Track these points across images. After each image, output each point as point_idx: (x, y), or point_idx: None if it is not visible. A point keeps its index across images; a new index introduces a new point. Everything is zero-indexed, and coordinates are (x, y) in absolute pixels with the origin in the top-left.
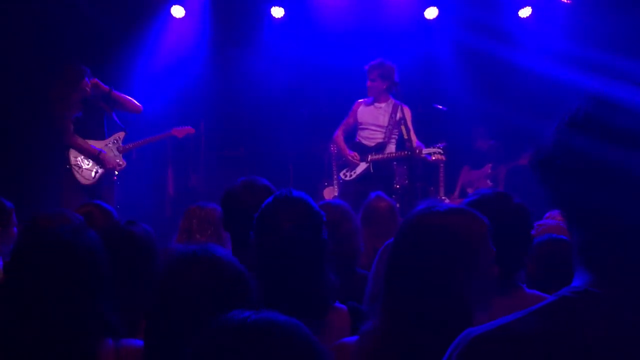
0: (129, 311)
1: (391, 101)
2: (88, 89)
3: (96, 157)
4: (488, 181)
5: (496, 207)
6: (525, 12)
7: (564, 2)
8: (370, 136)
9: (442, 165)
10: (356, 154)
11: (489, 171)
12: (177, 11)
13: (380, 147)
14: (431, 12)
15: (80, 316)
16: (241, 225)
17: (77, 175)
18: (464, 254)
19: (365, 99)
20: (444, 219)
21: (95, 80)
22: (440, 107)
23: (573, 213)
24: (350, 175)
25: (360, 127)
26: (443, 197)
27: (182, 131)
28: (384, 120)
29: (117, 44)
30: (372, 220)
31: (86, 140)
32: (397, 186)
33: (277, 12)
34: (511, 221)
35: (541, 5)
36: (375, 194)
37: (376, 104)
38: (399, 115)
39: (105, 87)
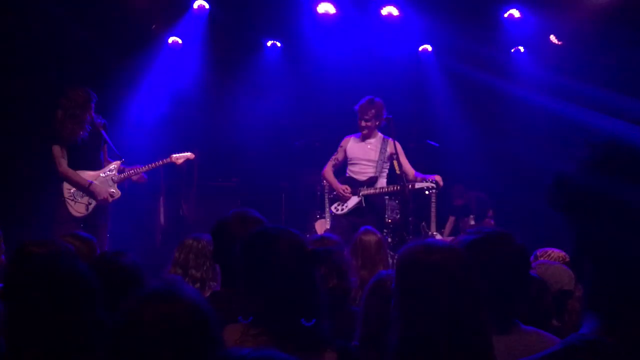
0: None
1: (380, 136)
2: (93, 114)
3: (86, 189)
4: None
5: (498, 246)
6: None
7: (555, 43)
8: (362, 171)
9: (434, 201)
10: (347, 187)
11: (473, 222)
12: (174, 41)
13: (371, 182)
14: (425, 48)
15: (80, 341)
16: (231, 257)
17: (70, 208)
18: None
19: (354, 135)
20: (429, 255)
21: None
22: (433, 143)
23: (591, 253)
24: (342, 209)
25: (351, 162)
26: (434, 233)
27: (181, 157)
28: (374, 155)
29: (114, 72)
30: (360, 253)
31: (77, 172)
32: (389, 220)
33: (272, 43)
34: (512, 261)
35: (534, 44)
36: (364, 228)
37: (366, 140)
38: (389, 150)
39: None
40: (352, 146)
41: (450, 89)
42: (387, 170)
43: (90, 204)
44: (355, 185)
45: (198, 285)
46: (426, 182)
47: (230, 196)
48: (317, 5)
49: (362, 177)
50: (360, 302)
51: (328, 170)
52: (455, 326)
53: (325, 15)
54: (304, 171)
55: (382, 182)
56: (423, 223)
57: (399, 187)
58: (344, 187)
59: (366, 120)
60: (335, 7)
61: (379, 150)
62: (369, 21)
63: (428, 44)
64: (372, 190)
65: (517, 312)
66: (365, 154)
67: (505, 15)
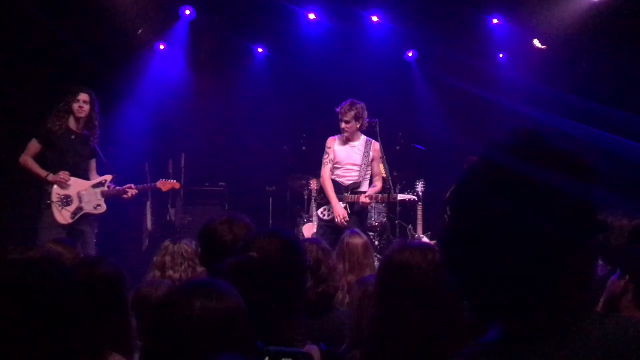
0: (95, 347)
1: (364, 139)
2: (79, 111)
3: (45, 180)
4: None
5: None
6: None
7: (539, 47)
8: (345, 175)
9: (420, 204)
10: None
11: None
12: (162, 47)
13: (355, 186)
14: (411, 54)
15: (56, 348)
16: (219, 260)
17: (56, 214)
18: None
19: (339, 136)
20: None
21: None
22: (418, 146)
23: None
24: (329, 215)
25: (335, 165)
26: (421, 236)
27: (168, 185)
28: (359, 159)
29: (100, 78)
30: (347, 257)
31: (71, 177)
32: (376, 224)
33: (259, 49)
34: None
35: (517, 49)
36: (350, 231)
37: (350, 143)
38: (373, 154)
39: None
40: (337, 149)
41: (435, 94)
42: (370, 174)
43: (76, 213)
44: (340, 190)
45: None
46: (409, 194)
47: (217, 201)
48: (305, 12)
49: (347, 182)
50: (349, 307)
51: (328, 178)
52: (424, 325)
53: (313, 21)
54: (291, 175)
55: (366, 185)
56: (410, 226)
57: (381, 197)
58: (342, 211)
59: (346, 122)
60: (322, 14)
61: (362, 153)
62: (356, 28)
63: (413, 49)
64: (356, 197)
65: None
66: (349, 158)
67: (494, 22)
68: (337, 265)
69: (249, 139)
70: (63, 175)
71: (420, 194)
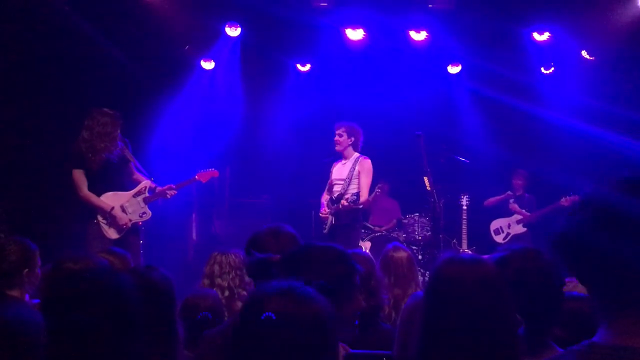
0: (144, 356)
1: (356, 155)
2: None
3: (108, 214)
4: (522, 225)
5: (527, 263)
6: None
7: (587, 58)
8: (337, 189)
9: (465, 218)
10: (324, 209)
11: (521, 216)
12: (207, 64)
13: (338, 199)
14: (454, 68)
15: (118, 355)
16: (265, 270)
17: (105, 230)
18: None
19: (339, 159)
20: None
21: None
22: (463, 159)
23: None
24: (325, 229)
25: (333, 183)
26: (465, 250)
27: (206, 175)
28: (345, 173)
29: (148, 93)
30: (391, 269)
31: (107, 194)
32: (419, 238)
33: (302, 65)
34: (540, 278)
35: (563, 61)
36: (392, 244)
37: (343, 160)
38: (358, 167)
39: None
40: (334, 168)
41: (479, 107)
42: (354, 187)
43: (124, 227)
44: (330, 205)
45: (227, 293)
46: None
47: (260, 212)
48: (347, 28)
49: (334, 195)
50: (397, 322)
51: (322, 203)
52: (476, 341)
53: (355, 38)
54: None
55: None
56: (454, 240)
57: (339, 206)
58: (322, 210)
59: (339, 135)
60: (364, 31)
61: (349, 168)
62: (399, 43)
63: (456, 64)
64: (334, 207)
65: (550, 331)
66: (340, 174)
67: (538, 35)
68: (382, 278)
69: (291, 152)
70: (118, 212)
71: (465, 208)
